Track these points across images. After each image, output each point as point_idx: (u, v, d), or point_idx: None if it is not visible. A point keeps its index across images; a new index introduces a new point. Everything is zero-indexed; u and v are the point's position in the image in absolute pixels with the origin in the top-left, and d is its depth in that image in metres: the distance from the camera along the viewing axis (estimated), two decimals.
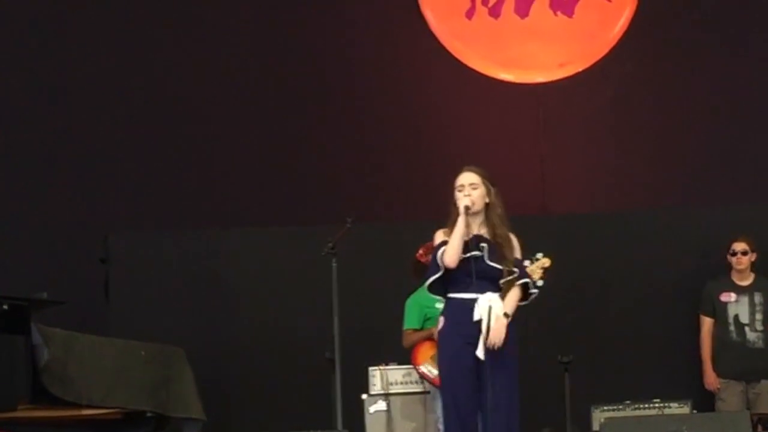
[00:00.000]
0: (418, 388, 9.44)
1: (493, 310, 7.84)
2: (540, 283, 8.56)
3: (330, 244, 9.28)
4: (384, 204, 11.30)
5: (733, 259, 10.41)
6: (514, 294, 8.02)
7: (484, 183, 8.13)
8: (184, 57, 11.59)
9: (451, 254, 7.89)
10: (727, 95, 11.52)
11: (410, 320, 9.36)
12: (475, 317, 7.84)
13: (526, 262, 8.60)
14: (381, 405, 9.36)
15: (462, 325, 7.87)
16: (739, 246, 10.40)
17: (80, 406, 8.53)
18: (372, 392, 9.42)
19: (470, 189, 8.08)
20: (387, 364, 9.52)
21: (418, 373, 9.30)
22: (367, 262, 10.65)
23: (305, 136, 11.50)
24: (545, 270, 8.78)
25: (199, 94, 11.54)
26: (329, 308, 9.17)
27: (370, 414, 9.34)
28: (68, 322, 8.84)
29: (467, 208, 7.96)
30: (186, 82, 11.54)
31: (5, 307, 8.18)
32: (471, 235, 7.98)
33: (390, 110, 11.50)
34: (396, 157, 11.44)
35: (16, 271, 10.76)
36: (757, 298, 10.39)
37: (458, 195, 8.08)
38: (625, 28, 11.49)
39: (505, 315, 7.91)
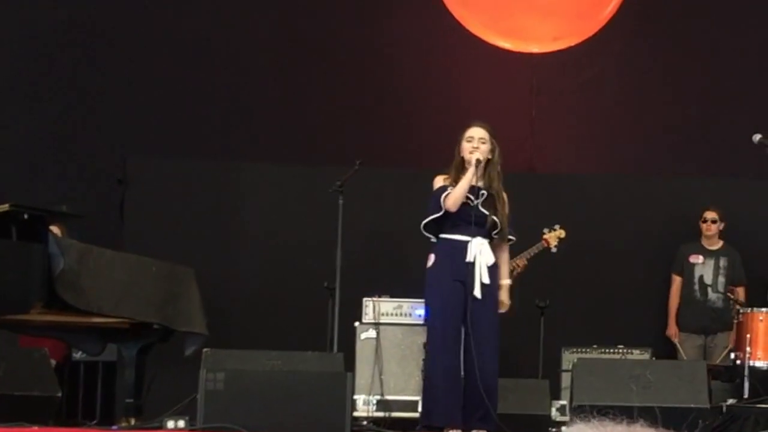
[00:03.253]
0: (407, 320, 9.02)
1: (483, 254, 7.51)
2: (554, 250, 9.24)
3: (338, 183, 8.76)
4: (388, 151, 10.52)
5: (704, 226, 10.14)
6: (506, 257, 7.81)
7: (491, 140, 7.69)
8: None
9: (455, 199, 7.54)
10: (709, 74, 10.91)
11: None
12: (469, 258, 7.48)
13: (545, 230, 9.10)
14: (371, 333, 8.89)
15: (452, 264, 7.51)
16: (710, 215, 10.12)
17: (90, 314, 7.76)
18: (364, 321, 8.96)
19: (479, 142, 7.65)
20: (380, 297, 9.04)
21: None
22: (370, 203, 10.18)
23: (322, 85, 10.76)
24: (560, 239, 9.23)
25: (223, 30, 10.78)
26: (333, 242, 8.63)
27: (361, 340, 8.87)
28: (85, 237, 8.09)
29: (479, 161, 7.59)
30: (211, 18, 10.79)
31: (25, 216, 7.44)
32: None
33: (398, 66, 10.75)
34: (402, 109, 10.71)
35: (38, 185, 10.07)
36: (722, 262, 10.11)
37: (466, 146, 7.67)
38: (616, 8, 10.82)
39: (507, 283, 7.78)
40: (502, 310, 7.66)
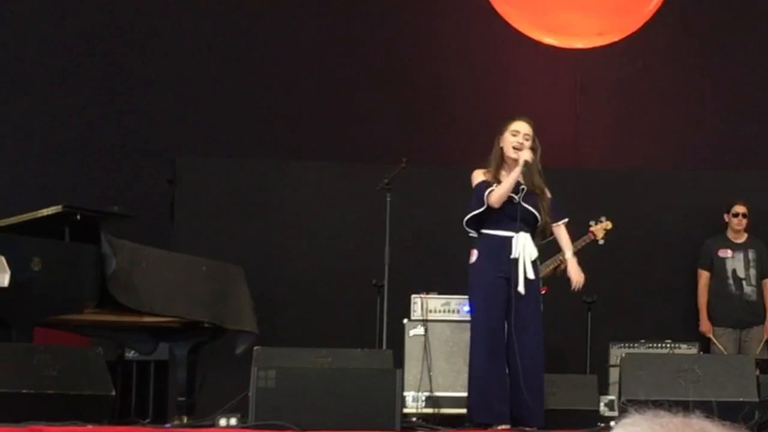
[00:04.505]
0: (455, 316, 8.95)
1: (526, 249, 7.47)
2: (601, 242, 9.06)
3: (385, 181, 8.69)
4: (434, 149, 10.56)
5: (734, 220, 10.03)
6: (565, 233, 7.80)
7: (534, 138, 7.59)
8: None
9: (501, 196, 7.46)
10: (748, 69, 10.85)
11: None
12: (514, 254, 7.43)
13: (591, 222, 8.96)
14: (420, 329, 8.84)
15: (496, 260, 7.46)
16: (741, 208, 10.02)
17: (142, 313, 7.87)
18: (413, 317, 8.91)
19: (523, 138, 7.58)
20: (428, 293, 8.99)
21: None
22: (418, 200, 10.14)
23: (368, 83, 10.79)
24: (607, 231, 9.06)
25: (269, 30, 10.79)
26: (381, 239, 8.56)
27: (410, 337, 8.82)
28: (135, 237, 8.07)
29: (527, 162, 7.48)
30: (257, 18, 10.81)
31: (78, 217, 7.53)
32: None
33: (443, 63, 10.76)
34: (447, 107, 10.72)
35: (90, 186, 10.12)
36: (751, 254, 10.03)
37: (511, 139, 7.56)
38: (660, 3, 10.71)
39: (574, 255, 7.88)
40: (578, 285, 7.72)
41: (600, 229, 9.01)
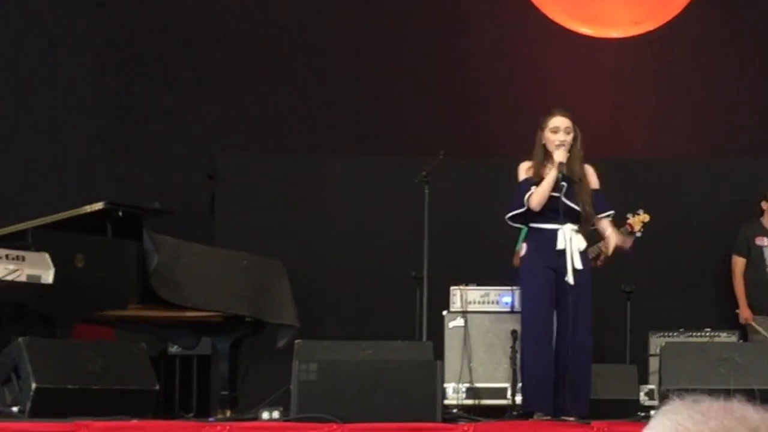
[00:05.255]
0: (494, 308, 8.92)
1: (573, 240, 7.53)
2: (639, 234, 8.95)
3: (423, 173, 8.69)
4: (472, 141, 10.54)
5: None
6: (608, 225, 7.87)
7: (574, 127, 7.62)
8: None
9: (539, 201, 7.55)
10: None
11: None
12: (559, 246, 7.51)
13: (629, 215, 8.81)
14: (459, 321, 8.82)
15: (544, 252, 7.54)
16: None
17: (184, 308, 7.96)
18: (452, 309, 8.89)
19: (565, 134, 7.59)
20: (467, 285, 8.97)
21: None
22: (455, 192, 10.12)
23: (405, 76, 10.77)
24: (645, 224, 8.97)
25: (307, 24, 10.83)
26: (419, 232, 8.58)
27: (449, 329, 8.80)
28: (176, 232, 8.18)
29: (561, 164, 7.52)
30: (295, 13, 10.84)
31: (120, 214, 7.66)
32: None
33: (480, 55, 10.73)
34: (485, 98, 10.69)
35: (132, 182, 10.19)
36: None
37: (552, 137, 7.59)
38: None
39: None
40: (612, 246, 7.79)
41: (637, 221, 8.93)
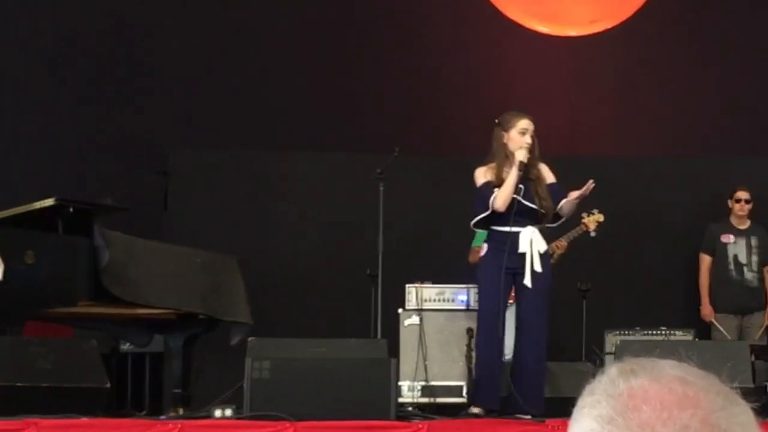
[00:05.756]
0: (448, 306, 8.92)
1: (534, 243, 7.65)
2: (594, 234, 8.99)
3: (378, 170, 8.70)
4: (428, 138, 10.56)
5: (737, 206, 9.96)
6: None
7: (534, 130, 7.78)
8: None
9: (505, 200, 7.63)
10: (743, 56, 10.83)
11: (480, 238, 8.68)
12: (521, 249, 7.64)
13: (584, 214, 8.81)
14: (414, 319, 8.80)
15: (504, 254, 7.61)
16: (745, 194, 9.95)
17: (137, 306, 7.88)
18: (407, 307, 8.88)
19: (530, 136, 7.75)
20: (422, 283, 8.96)
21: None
22: (411, 190, 10.12)
23: (361, 72, 10.78)
24: (599, 224, 8.98)
25: (259, 20, 10.78)
26: (374, 230, 8.59)
27: (405, 327, 8.79)
28: (129, 229, 8.12)
29: (522, 163, 7.66)
30: (247, 9, 10.81)
31: (71, 210, 7.56)
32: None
33: (437, 52, 10.74)
34: (441, 96, 10.69)
35: (82, 179, 10.14)
36: (753, 241, 9.97)
37: (520, 138, 7.70)
38: None
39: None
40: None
41: (592, 221, 8.95)
